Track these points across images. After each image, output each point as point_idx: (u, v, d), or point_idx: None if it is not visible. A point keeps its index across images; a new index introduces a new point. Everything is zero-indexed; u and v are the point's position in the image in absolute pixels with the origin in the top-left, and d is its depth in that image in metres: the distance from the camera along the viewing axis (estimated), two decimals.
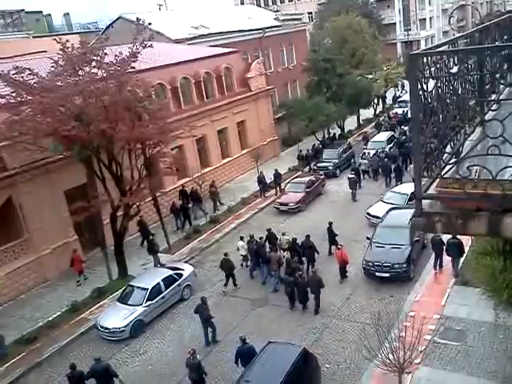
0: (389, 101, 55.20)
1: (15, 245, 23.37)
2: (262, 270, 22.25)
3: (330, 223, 23.51)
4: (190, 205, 29.85)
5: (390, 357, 12.78)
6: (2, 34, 48.89)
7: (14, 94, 20.88)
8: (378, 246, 21.20)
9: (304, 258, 21.97)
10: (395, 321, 14.92)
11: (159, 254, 24.49)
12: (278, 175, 32.89)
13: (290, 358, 14.14)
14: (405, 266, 20.15)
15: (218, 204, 31.28)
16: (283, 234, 23.38)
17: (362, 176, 33.18)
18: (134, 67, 23.22)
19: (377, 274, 20.60)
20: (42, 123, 20.23)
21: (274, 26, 50.83)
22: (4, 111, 20.73)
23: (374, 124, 47.62)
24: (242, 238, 23.47)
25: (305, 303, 19.45)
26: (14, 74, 20.75)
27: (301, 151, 39.10)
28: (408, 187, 25.30)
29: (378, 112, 51.26)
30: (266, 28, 48.38)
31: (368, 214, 26.30)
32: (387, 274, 20.32)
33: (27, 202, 23.35)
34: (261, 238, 22.94)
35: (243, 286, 21.96)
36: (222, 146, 36.46)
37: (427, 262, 21.33)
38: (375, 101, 49.80)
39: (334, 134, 44.96)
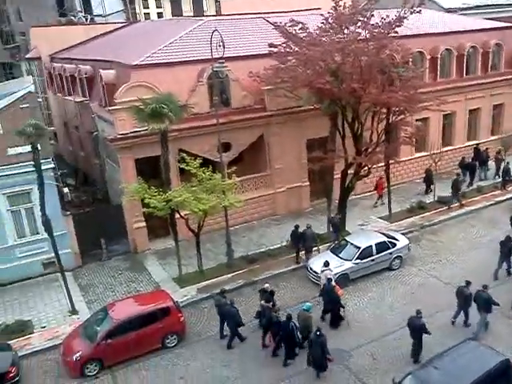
0: None
1: (259, 177, 26.24)
2: None
3: None
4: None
5: None
6: None
7: (284, 45, 22.82)
8: None
9: None
10: None
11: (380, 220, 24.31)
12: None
13: (487, 364, 12.96)
14: None
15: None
16: None
17: None
18: (396, 32, 22.73)
19: None
20: (302, 74, 21.70)
21: None
22: (274, 59, 22.93)
23: None
24: None
25: None
26: (288, 27, 22.72)
27: None
28: None
29: None
30: None
31: None
32: None
33: (274, 142, 25.68)
34: None
35: None
36: (471, 126, 33.55)
37: None
38: None
39: None
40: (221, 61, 19.91)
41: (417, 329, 15.17)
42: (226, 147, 24.01)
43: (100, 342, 15.70)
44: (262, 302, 16.90)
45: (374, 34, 21.98)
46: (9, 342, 16.60)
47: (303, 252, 21.70)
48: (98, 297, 19.94)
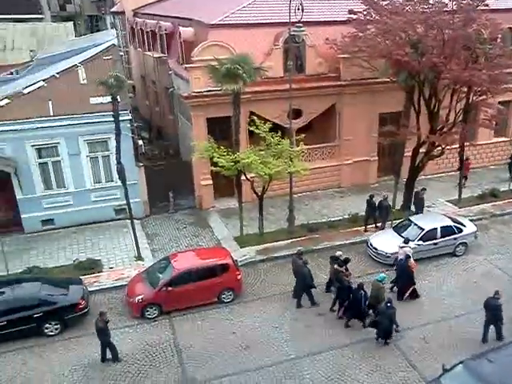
0: None
1: (327, 147, 26.08)
2: None
3: None
4: None
5: None
6: None
7: (365, 12, 22.06)
8: None
9: None
10: None
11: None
12: None
13: None
14: None
15: None
16: None
17: None
18: (487, 4, 21.36)
19: None
20: (381, 44, 21.00)
21: None
22: (353, 26, 22.27)
23: None
24: None
25: None
26: None
27: None
28: None
29: None
30: None
31: None
32: None
33: (346, 113, 25.26)
34: None
35: None
36: None
37: None
38: None
39: None
40: (299, 25, 19.56)
41: (492, 308, 14.91)
42: (297, 114, 23.91)
43: (161, 289, 16.55)
44: (336, 266, 17.11)
45: (462, 6, 20.78)
46: (80, 277, 17.88)
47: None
48: (162, 246, 20.93)
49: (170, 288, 16.57)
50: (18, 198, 21.27)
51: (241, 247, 20.51)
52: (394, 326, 15.35)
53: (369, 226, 21.87)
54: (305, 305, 17.24)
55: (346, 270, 17.10)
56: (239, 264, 18.36)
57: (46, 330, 15.81)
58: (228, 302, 17.42)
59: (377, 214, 21.75)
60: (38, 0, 44.49)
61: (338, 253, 17.75)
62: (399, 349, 15.30)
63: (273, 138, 19.98)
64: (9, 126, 20.29)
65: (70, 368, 14.69)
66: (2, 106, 20.99)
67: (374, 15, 21.81)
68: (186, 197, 24.15)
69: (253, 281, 18.75)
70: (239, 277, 17.59)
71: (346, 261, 17.37)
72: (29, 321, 15.51)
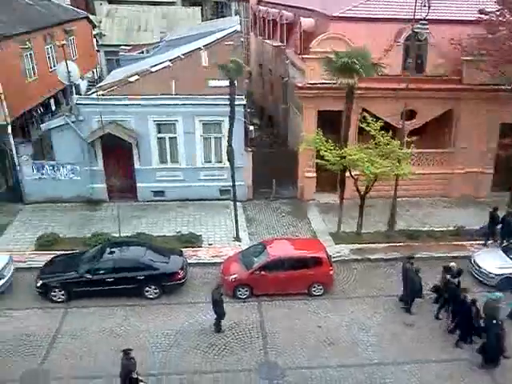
0: None
1: (439, 153, 24.67)
2: None
3: None
4: None
5: None
6: None
7: (498, 13, 20.49)
8: None
9: None
10: None
11: None
12: None
13: None
14: None
15: None
16: None
17: None
18: None
19: None
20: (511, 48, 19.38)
21: None
22: (482, 27, 20.81)
23: None
24: None
25: None
26: None
27: None
28: None
29: None
30: None
31: None
32: None
33: (464, 119, 23.77)
34: None
35: None
36: None
37: None
38: None
39: None
40: (423, 22, 18.68)
41: None
42: (411, 115, 22.95)
43: (254, 271, 16.95)
44: (448, 276, 16.42)
45: None
46: (181, 249, 18.85)
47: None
48: (259, 231, 21.37)
49: (262, 272, 16.93)
50: (135, 167, 22.85)
51: (336, 243, 20.30)
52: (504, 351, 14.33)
53: (488, 242, 20.52)
54: (398, 310, 16.76)
55: (459, 282, 16.31)
56: (332, 260, 18.21)
57: (146, 293, 16.95)
58: (317, 296, 17.40)
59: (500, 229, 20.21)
60: None
61: (452, 264, 16.90)
62: (494, 379, 14.23)
63: (383, 137, 19.41)
64: (136, 100, 21.73)
65: (163, 331, 15.62)
66: (132, 82, 22.55)
67: (507, 16, 20.18)
68: (288, 186, 24.31)
69: (344, 279, 18.52)
70: (331, 272, 17.47)
71: (459, 273, 16.55)
72: (132, 282, 16.74)
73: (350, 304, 17.19)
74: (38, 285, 16.70)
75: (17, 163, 22.36)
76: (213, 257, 19.26)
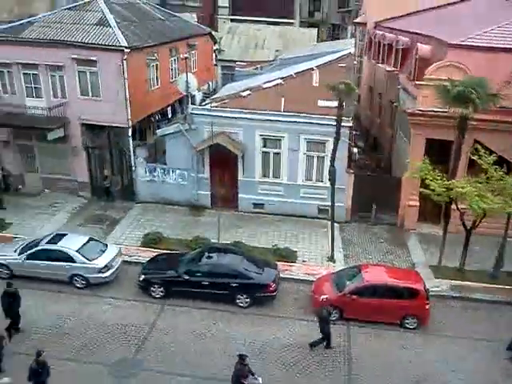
0: None
1: None
2: None
3: None
4: None
5: None
6: None
7: None
8: None
9: None
10: None
11: None
12: None
13: None
14: None
15: None
16: None
17: None
18: None
19: None
20: None
21: None
22: None
23: None
24: None
25: None
26: None
27: None
28: None
29: None
30: None
31: None
32: None
33: None
34: None
35: None
36: None
37: None
38: None
39: None
40: None
41: None
42: None
43: (346, 294, 16.56)
44: None
45: None
46: (276, 262, 18.96)
47: None
48: (354, 254, 20.87)
49: (354, 296, 16.48)
50: (239, 178, 23.49)
51: (435, 277, 19.19)
52: None
53: None
54: (500, 358, 15.44)
55: None
56: (430, 294, 17.21)
57: (237, 301, 17.26)
58: (409, 329, 16.56)
59: None
60: (292, 7, 48.36)
61: None
62: None
63: (496, 171, 18.15)
64: (246, 114, 22.43)
65: (249, 340, 15.79)
66: (244, 96, 23.33)
67: None
68: (388, 213, 23.49)
69: (441, 315, 17.39)
70: (427, 306, 16.54)
71: None
72: (225, 288, 17.14)
73: (446, 343, 16.13)
74: (141, 279, 17.71)
75: (133, 164, 24.05)
76: (305, 274, 19.14)
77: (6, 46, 22.72)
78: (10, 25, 23.33)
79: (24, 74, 23.19)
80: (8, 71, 23.24)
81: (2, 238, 20.40)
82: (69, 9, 25.00)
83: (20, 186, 24.82)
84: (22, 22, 23.65)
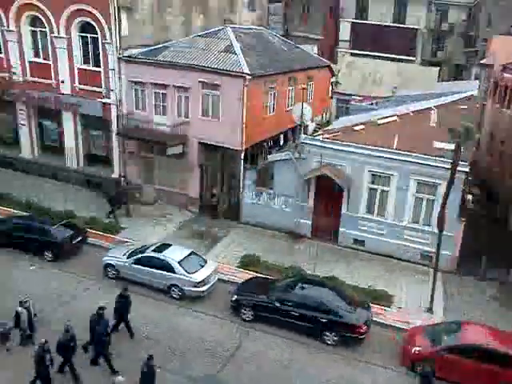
0: None
1: None
2: None
3: None
4: None
5: None
6: None
7: None
8: None
9: None
10: None
11: None
12: None
13: None
14: None
15: None
16: None
17: None
18: None
19: None
20: None
21: None
22: None
23: None
24: None
25: None
26: None
27: None
28: None
29: None
30: None
31: None
32: None
33: None
34: None
35: None
36: None
37: None
38: None
39: None
40: None
41: None
42: None
43: (440, 351, 15.34)
44: None
45: None
46: (369, 304, 18.19)
47: None
48: (456, 309, 19.22)
49: (449, 355, 15.19)
50: (342, 212, 23.07)
51: None
52: None
53: None
54: None
55: None
56: None
57: (324, 337, 16.78)
58: None
59: None
60: (414, 45, 47.30)
61: None
62: None
63: None
64: (357, 148, 22.08)
65: (326, 379, 15.26)
66: (357, 131, 23.05)
67: None
68: (501, 269, 21.49)
69: None
70: None
71: None
72: (314, 322, 16.77)
73: None
74: (233, 299, 17.97)
75: (241, 186, 24.74)
76: (398, 321, 18.11)
77: (144, 66, 24.88)
78: (149, 48, 25.46)
79: (155, 92, 25.15)
80: (141, 90, 25.37)
81: (115, 241, 22.08)
82: (200, 36, 26.74)
83: (138, 195, 26.65)
84: (159, 46, 25.74)
